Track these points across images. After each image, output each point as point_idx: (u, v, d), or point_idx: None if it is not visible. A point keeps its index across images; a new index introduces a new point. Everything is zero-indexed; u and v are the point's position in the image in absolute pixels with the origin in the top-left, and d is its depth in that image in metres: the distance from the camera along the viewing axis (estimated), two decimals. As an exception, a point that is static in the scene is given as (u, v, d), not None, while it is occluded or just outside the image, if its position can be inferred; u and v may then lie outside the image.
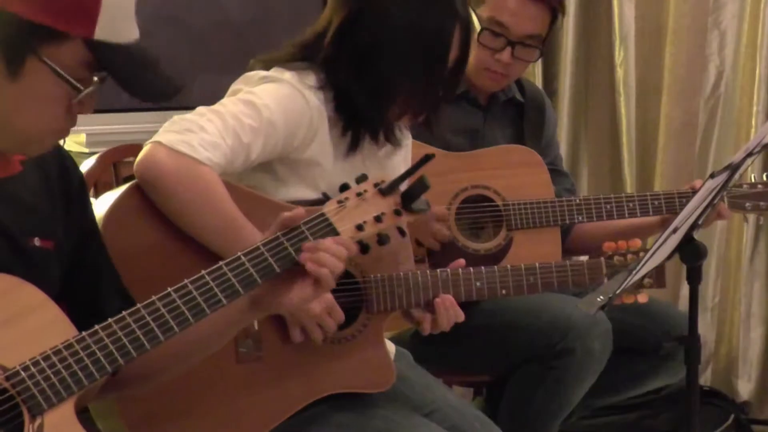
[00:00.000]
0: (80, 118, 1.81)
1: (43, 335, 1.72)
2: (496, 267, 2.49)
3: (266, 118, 2.28)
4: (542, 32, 3.09)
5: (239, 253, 1.83)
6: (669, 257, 2.45)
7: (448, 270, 2.43)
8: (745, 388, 4.24)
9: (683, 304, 4.03)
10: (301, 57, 2.39)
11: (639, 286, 2.55)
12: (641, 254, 2.63)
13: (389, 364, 2.43)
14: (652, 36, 4.30)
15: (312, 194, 2.36)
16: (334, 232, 1.89)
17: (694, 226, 2.40)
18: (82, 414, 1.79)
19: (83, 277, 1.94)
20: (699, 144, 4.24)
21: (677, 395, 3.73)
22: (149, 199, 2.22)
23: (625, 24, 4.27)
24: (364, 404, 2.38)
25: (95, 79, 1.75)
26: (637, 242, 2.66)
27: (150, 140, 2.22)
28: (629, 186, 4.29)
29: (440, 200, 3.00)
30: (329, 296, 2.25)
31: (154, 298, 1.77)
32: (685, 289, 3.94)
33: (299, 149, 2.35)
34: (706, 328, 4.25)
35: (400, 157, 2.55)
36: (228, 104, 2.30)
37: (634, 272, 2.32)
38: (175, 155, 2.18)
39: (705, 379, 4.28)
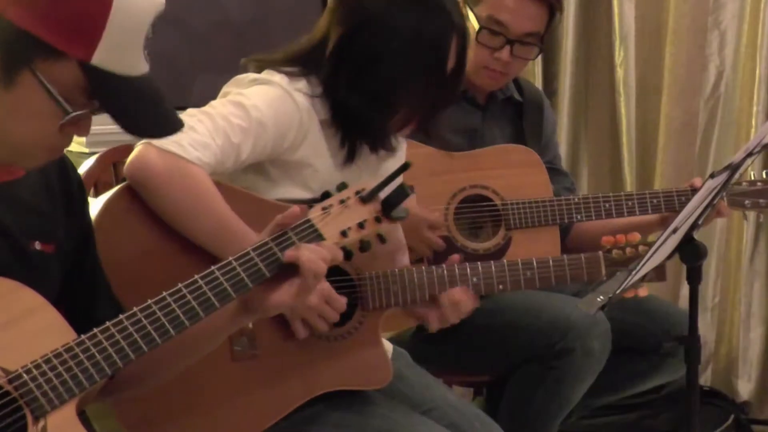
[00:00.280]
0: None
1: (42, 338, 1.73)
2: (492, 262, 2.49)
3: (256, 118, 2.29)
4: (541, 30, 3.09)
5: (230, 258, 1.86)
6: (669, 257, 2.45)
7: (444, 266, 2.43)
8: (745, 388, 4.24)
9: (683, 304, 4.03)
10: (298, 65, 2.40)
11: (639, 279, 2.55)
12: (640, 248, 2.63)
13: (386, 362, 2.44)
14: (652, 36, 4.30)
15: (304, 194, 2.38)
16: (320, 238, 1.93)
17: (694, 226, 2.40)
18: (80, 416, 1.79)
19: (81, 281, 1.95)
20: (699, 144, 4.24)
21: (677, 395, 3.73)
22: (140, 201, 2.22)
23: (625, 24, 4.27)
24: (363, 403, 2.38)
25: (94, 104, 1.71)
26: (635, 235, 2.66)
27: (140, 142, 2.23)
28: (629, 186, 4.29)
29: (439, 200, 3.00)
30: (325, 285, 2.26)
31: (150, 301, 1.79)
32: (685, 289, 3.95)
33: (289, 150, 2.35)
34: (706, 328, 4.24)
35: (395, 161, 2.55)
36: (217, 105, 2.32)
37: (634, 272, 2.32)
38: (165, 155, 2.19)
39: (705, 379, 4.28)
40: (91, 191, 2.68)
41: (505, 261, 2.51)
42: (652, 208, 3.12)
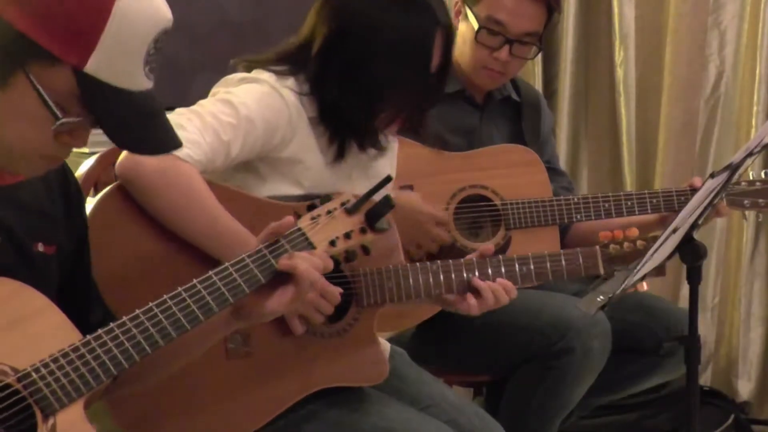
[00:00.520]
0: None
1: (49, 338, 1.74)
2: (488, 257, 2.49)
3: (244, 115, 2.30)
4: (539, 29, 3.10)
5: (227, 264, 1.89)
6: (669, 257, 2.45)
7: (438, 262, 2.44)
8: (745, 388, 4.24)
9: (683, 304, 4.02)
10: (285, 64, 2.41)
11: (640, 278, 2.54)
12: (638, 243, 2.63)
13: (382, 358, 2.45)
14: (652, 36, 4.30)
15: (295, 191, 2.39)
16: (311, 246, 1.98)
17: (694, 225, 2.40)
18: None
19: (78, 283, 1.96)
20: (699, 144, 4.24)
21: (677, 395, 3.74)
22: (132, 200, 2.23)
23: (625, 24, 4.27)
24: (360, 401, 2.39)
25: (89, 115, 1.69)
26: (633, 231, 2.66)
27: None
28: (629, 186, 4.29)
29: (438, 200, 3.00)
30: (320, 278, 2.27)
31: (151, 304, 1.81)
32: (685, 289, 3.95)
33: (279, 147, 2.36)
34: (706, 328, 4.24)
35: (386, 160, 2.57)
36: (206, 104, 2.33)
37: (634, 272, 2.32)
38: None
39: (705, 379, 4.28)
40: (91, 191, 2.68)
41: (500, 256, 2.51)
42: (652, 208, 3.12)
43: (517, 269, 2.51)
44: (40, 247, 1.85)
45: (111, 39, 1.65)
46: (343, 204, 2.04)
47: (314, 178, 2.39)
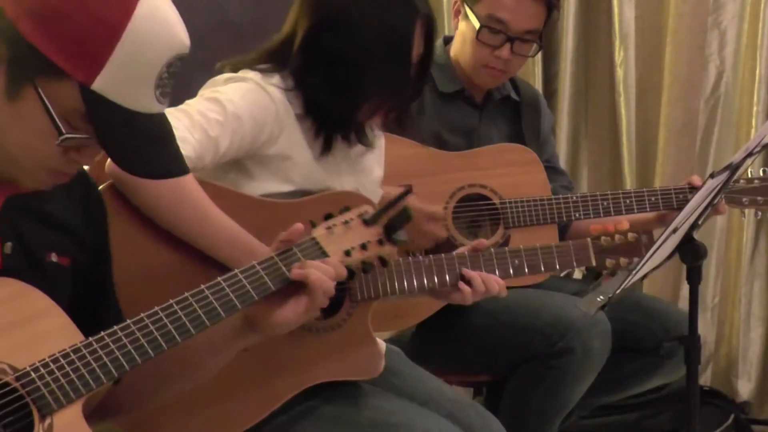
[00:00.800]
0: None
1: (51, 339, 1.74)
2: (479, 251, 2.49)
3: (231, 112, 2.31)
4: (539, 27, 3.11)
5: (236, 270, 1.88)
6: (669, 257, 2.45)
7: (431, 256, 2.44)
8: (745, 388, 4.24)
9: (683, 304, 4.03)
10: (269, 62, 2.43)
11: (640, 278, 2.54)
12: (629, 235, 2.64)
13: (377, 352, 2.46)
14: (652, 36, 4.30)
15: (285, 187, 2.40)
16: (324, 255, 1.96)
17: (694, 226, 2.40)
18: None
19: (94, 294, 1.95)
20: (699, 144, 4.24)
21: (677, 395, 3.74)
22: (124, 198, 2.24)
23: (625, 24, 4.26)
24: (357, 396, 2.40)
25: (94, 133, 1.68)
26: (624, 224, 2.67)
27: None
28: (629, 186, 4.29)
29: (437, 199, 3.00)
30: None
31: (157, 308, 1.81)
32: (685, 289, 3.95)
33: (267, 143, 2.37)
34: (706, 328, 4.25)
35: (374, 157, 2.58)
36: (193, 103, 2.34)
37: (634, 272, 2.32)
38: None
39: (705, 379, 4.28)
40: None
41: (492, 250, 2.52)
42: (650, 206, 3.12)
43: (509, 262, 2.52)
44: (54, 258, 1.84)
45: (121, 58, 1.64)
46: (360, 215, 2.03)
47: (303, 173, 2.40)
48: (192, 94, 2.42)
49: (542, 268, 2.58)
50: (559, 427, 3.08)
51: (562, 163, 4.15)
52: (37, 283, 1.77)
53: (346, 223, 2.01)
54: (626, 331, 3.07)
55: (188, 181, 2.24)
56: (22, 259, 1.80)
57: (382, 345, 2.55)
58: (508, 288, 2.49)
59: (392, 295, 2.43)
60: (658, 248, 2.32)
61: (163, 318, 1.79)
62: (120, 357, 1.75)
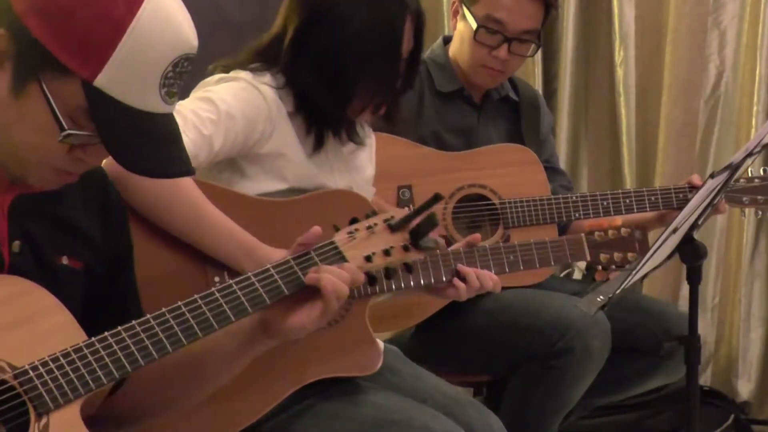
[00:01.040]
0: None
1: (53, 338, 1.73)
2: (474, 247, 2.49)
3: (224, 110, 2.32)
4: (537, 26, 3.11)
5: (249, 273, 1.86)
6: (669, 257, 2.45)
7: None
8: (745, 388, 4.24)
9: (683, 304, 4.03)
10: (259, 61, 2.43)
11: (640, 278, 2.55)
12: (622, 230, 2.65)
13: (375, 347, 2.46)
14: (652, 36, 4.30)
15: (280, 185, 2.40)
16: (343, 260, 1.93)
17: (694, 225, 2.40)
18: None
19: (113, 299, 1.93)
20: (699, 144, 4.24)
21: (677, 395, 3.74)
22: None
23: (625, 24, 4.27)
24: (355, 393, 2.39)
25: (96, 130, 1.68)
26: (617, 221, 2.68)
27: None
28: (629, 186, 4.29)
29: (437, 199, 3.00)
30: None
31: (164, 309, 1.79)
32: (685, 289, 3.95)
33: (261, 142, 2.38)
34: (706, 328, 4.24)
35: (366, 155, 2.58)
36: (186, 103, 2.34)
37: (634, 272, 2.32)
38: None
39: (705, 379, 4.28)
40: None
41: (487, 245, 2.52)
42: (650, 206, 3.12)
43: (504, 258, 2.52)
44: (65, 260, 1.83)
45: (124, 56, 1.65)
46: (386, 220, 1.99)
47: (297, 171, 2.41)
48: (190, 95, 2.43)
49: (537, 264, 2.59)
50: (559, 427, 3.08)
51: (562, 163, 4.16)
52: (45, 283, 1.76)
53: (370, 228, 1.97)
54: (626, 331, 3.07)
55: (184, 180, 2.24)
56: (30, 259, 1.79)
57: (380, 344, 2.55)
58: (507, 288, 2.49)
59: (388, 292, 2.43)
60: (658, 248, 2.32)
61: (170, 320, 1.77)
62: (122, 358, 1.73)
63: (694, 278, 2.44)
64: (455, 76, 3.18)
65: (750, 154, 2.39)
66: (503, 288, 2.52)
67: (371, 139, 2.62)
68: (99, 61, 1.64)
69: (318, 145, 2.43)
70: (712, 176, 2.41)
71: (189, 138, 2.26)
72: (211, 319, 1.80)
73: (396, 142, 2.96)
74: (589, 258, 2.64)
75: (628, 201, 3.11)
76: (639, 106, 4.31)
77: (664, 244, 2.33)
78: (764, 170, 3.14)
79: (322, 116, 2.42)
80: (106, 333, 1.74)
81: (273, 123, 2.38)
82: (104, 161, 2.09)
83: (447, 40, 3.25)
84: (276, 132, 2.39)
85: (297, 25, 2.40)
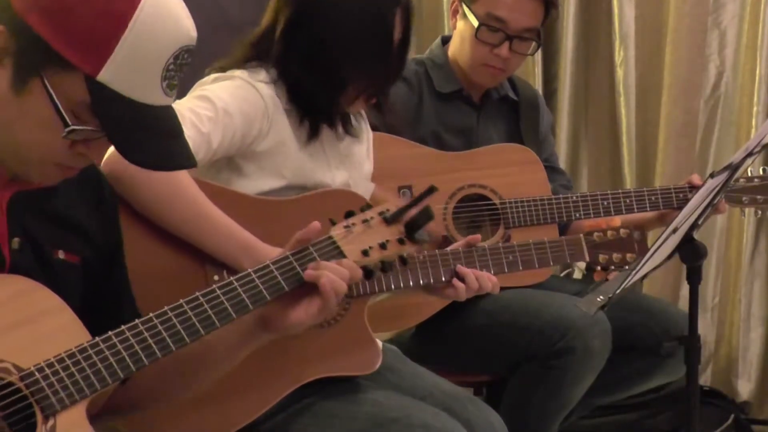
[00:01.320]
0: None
1: (57, 338, 1.73)
2: (474, 248, 2.50)
3: (221, 108, 2.32)
4: (538, 25, 3.11)
5: (249, 270, 1.87)
6: (669, 257, 2.45)
7: (425, 252, 2.44)
8: (745, 388, 4.24)
9: (683, 304, 4.03)
10: (252, 56, 2.45)
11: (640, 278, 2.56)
12: (621, 231, 2.65)
13: (374, 346, 2.46)
14: (652, 36, 4.30)
15: (278, 182, 2.40)
16: (341, 255, 1.93)
17: (694, 225, 2.40)
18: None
19: (107, 294, 1.94)
20: (699, 144, 4.24)
21: (677, 395, 3.74)
22: (122, 200, 2.23)
23: (625, 24, 4.27)
24: (354, 391, 2.40)
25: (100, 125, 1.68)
26: (616, 221, 2.68)
27: None
28: (629, 185, 4.29)
29: (437, 200, 3.00)
30: None
31: (166, 308, 1.79)
32: (685, 289, 3.95)
33: (258, 139, 2.38)
34: (706, 328, 4.24)
35: (362, 147, 2.59)
36: (183, 102, 2.35)
37: (633, 272, 2.32)
38: None
39: (705, 379, 4.28)
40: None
41: (486, 246, 2.52)
42: (651, 206, 3.12)
43: (503, 258, 2.52)
44: (61, 255, 1.84)
45: (126, 50, 1.65)
46: (381, 213, 1.99)
47: (294, 167, 2.41)
48: (191, 94, 2.43)
49: (536, 264, 2.59)
50: (559, 427, 3.08)
51: (562, 163, 4.16)
52: (45, 279, 1.77)
53: (365, 221, 1.97)
54: (626, 331, 3.07)
55: (183, 177, 2.24)
56: (30, 255, 1.80)
57: (379, 344, 2.55)
58: (508, 288, 2.49)
59: (387, 291, 2.43)
60: (658, 248, 2.32)
61: (173, 318, 1.78)
62: (126, 357, 1.74)
63: (694, 278, 2.44)
64: (454, 77, 3.18)
65: (750, 154, 2.39)
66: (503, 288, 2.53)
67: (368, 134, 2.62)
68: (102, 56, 1.65)
69: (312, 136, 2.44)
70: (712, 176, 2.41)
71: (187, 136, 2.26)
72: (213, 316, 1.81)
73: (396, 143, 2.96)
74: (588, 258, 2.64)
75: (628, 201, 3.11)
76: (639, 106, 4.31)
77: (664, 244, 2.33)
78: (764, 170, 3.14)
79: (315, 107, 2.43)
80: (110, 333, 1.74)
81: (270, 120, 2.38)
82: (104, 161, 2.10)
83: (445, 41, 3.25)
84: (273, 129, 2.39)
85: (287, 17, 2.40)
